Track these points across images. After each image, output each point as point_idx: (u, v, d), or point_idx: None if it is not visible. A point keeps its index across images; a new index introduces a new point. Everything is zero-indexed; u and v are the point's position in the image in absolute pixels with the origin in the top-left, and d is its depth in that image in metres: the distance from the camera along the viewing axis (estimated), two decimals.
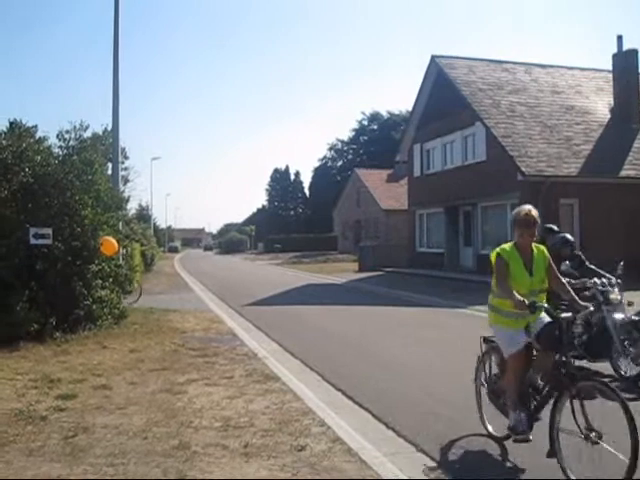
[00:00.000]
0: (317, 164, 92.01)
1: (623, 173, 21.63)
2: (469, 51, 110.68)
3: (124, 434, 5.42)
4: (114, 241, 11.65)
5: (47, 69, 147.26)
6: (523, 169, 20.64)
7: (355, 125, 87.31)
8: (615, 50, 25.02)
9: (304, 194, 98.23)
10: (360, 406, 6.53)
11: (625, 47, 24.78)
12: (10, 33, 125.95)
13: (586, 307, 4.85)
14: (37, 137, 12.49)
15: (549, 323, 4.78)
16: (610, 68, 25.60)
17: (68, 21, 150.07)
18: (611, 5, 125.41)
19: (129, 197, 39.36)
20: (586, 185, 21.03)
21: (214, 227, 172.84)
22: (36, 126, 12.94)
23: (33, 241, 10.63)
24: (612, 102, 25.15)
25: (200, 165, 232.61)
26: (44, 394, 6.72)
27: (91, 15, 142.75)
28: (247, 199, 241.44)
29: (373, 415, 6.17)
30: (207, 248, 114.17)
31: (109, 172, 17.08)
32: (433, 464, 4.82)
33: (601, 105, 25.38)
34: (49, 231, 10.76)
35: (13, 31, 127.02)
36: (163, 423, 5.74)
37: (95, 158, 12.14)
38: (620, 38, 24.92)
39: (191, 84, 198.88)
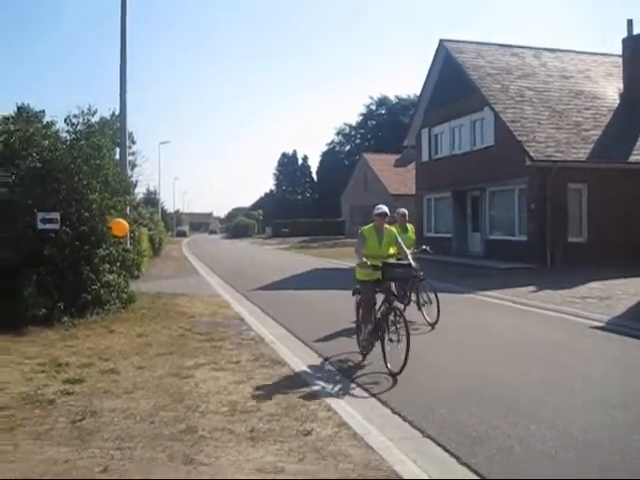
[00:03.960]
0: (325, 149, 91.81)
1: (632, 159, 21.45)
2: (478, 35, 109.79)
3: (131, 418, 5.47)
4: (125, 222, 11.64)
5: (55, 53, 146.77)
6: (531, 154, 20.52)
7: (363, 110, 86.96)
8: (625, 34, 24.76)
9: (312, 179, 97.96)
10: (366, 391, 6.54)
11: (635, 31, 24.52)
12: (18, 17, 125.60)
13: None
14: (45, 122, 12.46)
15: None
16: (619, 53, 25.35)
17: (76, 4, 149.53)
18: None
19: (137, 182, 39.36)
20: (594, 170, 20.90)
21: (222, 211, 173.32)
22: (44, 111, 12.96)
23: (41, 226, 10.67)
24: (621, 87, 24.90)
25: (208, 149, 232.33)
26: (52, 378, 6.78)
27: None
28: (255, 184, 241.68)
29: (379, 400, 6.18)
30: (212, 232, 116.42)
31: (117, 157, 17.07)
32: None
33: (610, 90, 25.12)
34: (57, 216, 10.79)
35: (21, 15, 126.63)
36: (170, 407, 5.78)
37: (103, 143, 12.11)
38: (630, 22, 24.64)
39: (201, 68, 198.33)
